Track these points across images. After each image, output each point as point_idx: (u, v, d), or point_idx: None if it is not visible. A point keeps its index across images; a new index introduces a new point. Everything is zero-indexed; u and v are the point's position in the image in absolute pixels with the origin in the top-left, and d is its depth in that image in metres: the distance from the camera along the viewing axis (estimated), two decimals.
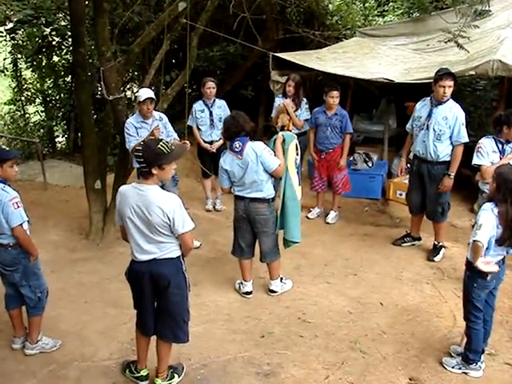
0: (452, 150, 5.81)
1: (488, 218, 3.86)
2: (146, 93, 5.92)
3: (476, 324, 4.13)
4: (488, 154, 5.23)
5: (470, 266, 4.10)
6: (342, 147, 7.13)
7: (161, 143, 3.64)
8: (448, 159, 5.85)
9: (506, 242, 3.88)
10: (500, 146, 5.24)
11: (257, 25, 9.56)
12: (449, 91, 5.65)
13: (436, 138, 5.78)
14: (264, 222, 5.13)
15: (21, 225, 4.11)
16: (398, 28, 9.37)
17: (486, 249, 3.91)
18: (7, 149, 4.20)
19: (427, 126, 5.85)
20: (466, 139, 5.72)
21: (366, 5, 12.00)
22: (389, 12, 12.07)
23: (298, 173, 5.22)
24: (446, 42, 7.33)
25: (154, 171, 3.61)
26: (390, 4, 12.14)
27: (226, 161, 5.03)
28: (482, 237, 3.80)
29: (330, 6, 11.22)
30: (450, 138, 5.75)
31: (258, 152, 4.90)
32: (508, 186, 3.82)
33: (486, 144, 5.28)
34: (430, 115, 5.83)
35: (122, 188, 3.82)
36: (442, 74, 5.63)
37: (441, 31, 7.55)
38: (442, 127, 5.73)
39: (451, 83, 5.62)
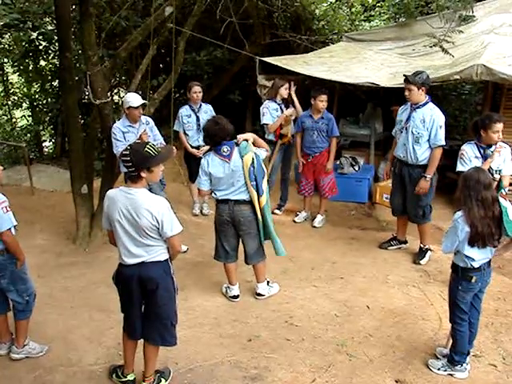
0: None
1: (454, 227, 4.00)
2: (138, 99, 5.93)
3: (461, 326, 4.17)
4: (470, 161, 5.28)
5: (455, 268, 4.15)
6: (328, 151, 7.16)
7: (147, 146, 3.66)
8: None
9: (478, 242, 3.91)
10: (482, 151, 5.29)
11: (244, 29, 9.62)
12: (408, 93, 5.80)
13: (415, 141, 5.86)
14: (249, 224, 5.14)
15: (9, 229, 4.09)
16: (384, 33, 9.44)
17: (467, 256, 3.98)
18: None
19: (406, 128, 5.95)
20: (442, 142, 5.78)
21: (353, 10, 12.08)
22: (375, 17, 12.17)
23: (257, 183, 5.02)
24: (431, 47, 7.42)
25: (143, 174, 3.62)
26: (377, 9, 12.24)
27: (212, 164, 5.00)
28: (444, 246, 4.12)
29: (317, 10, 11.30)
30: (429, 141, 5.81)
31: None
32: (468, 184, 3.89)
33: (468, 150, 5.34)
34: (408, 118, 5.92)
35: (110, 192, 3.83)
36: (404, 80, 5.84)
37: (426, 36, 7.64)
38: (420, 130, 5.81)
39: (409, 86, 5.77)
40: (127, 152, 3.64)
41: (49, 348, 4.54)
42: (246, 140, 5.04)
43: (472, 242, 3.92)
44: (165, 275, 3.81)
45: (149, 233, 3.65)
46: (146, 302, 3.88)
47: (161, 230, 3.65)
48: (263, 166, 5.16)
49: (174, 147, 5.72)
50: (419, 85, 5.73)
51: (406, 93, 5.83)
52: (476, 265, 4.00)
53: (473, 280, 4.04)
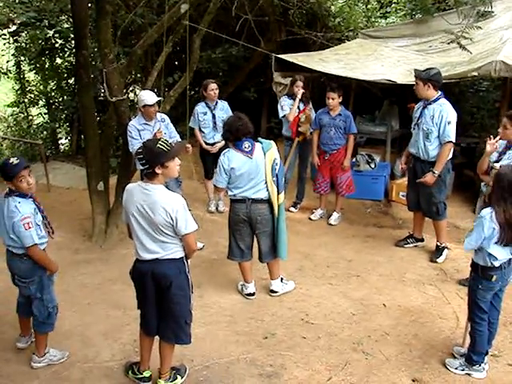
0: None
1: (481, 225, 3.90)
2: (152, 96, 5.94)
3: (480, 325, 4.12)
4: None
5: (475, 267, 4.10)
6: (345, 148, 7.12)
7: (159, 142, 3.68)
8: None
9: (506, 241, 3.85)
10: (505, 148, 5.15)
11: (259, 27, 9.60)
12: (415, 88, 5.83)
13: (425, 138, 5.84)
14: (265, 222, 5.14)
15: (34, 245, 4.00)
16: (401, 29, 9.36)
17: (489, 255, 3.92)
18: (14, 160, 4.06)
19: (418, 125, 5.94)
20: (450, 138, 5.71)
21: (369, 6, 11.99)
22: (391, 13, 12.06)
23: (278, 180, 5.07)
24: (448, 43, 7.36)
25: (158, 171, 3.63)
26: (393, 5, 12.13)
27: (233, 160, 4.96)
28: (467, 243, 4.02)
29: (333, 7, 11.22)
30: (439, 137, 5.77)
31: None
32: (503, 185, 3.81)
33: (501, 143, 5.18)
34: (420, 115, 5.91)
35: (129, 186, 3.86)
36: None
37: (443, 32, 7.58)
38: (430, 126, 5.78)
39: (416, 80, 5.80)
40: (141, 150, 3.67)
41: (65, 344, 4.55)
42: None
43: (501, 242, 3.86)
44: (179, 273, 3.81)
45: (163, 230, 3.66)
46: (160, 300, 3.89)
47: (175, 228, 3.65)
48: (282, 166, 5.18)
49: (189, 145, 5.77)
50: (425, 80, 5.70)
51: (414, 87, 5.85)
52: (497, 264, 3.95)
53: (493, 279, 3.99)
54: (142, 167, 3.70)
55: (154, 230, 3.68)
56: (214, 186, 5.22)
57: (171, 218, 3.62)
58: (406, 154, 6.33)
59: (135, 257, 3.88)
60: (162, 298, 3.87)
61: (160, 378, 4.04)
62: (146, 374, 4.11)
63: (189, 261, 3.93)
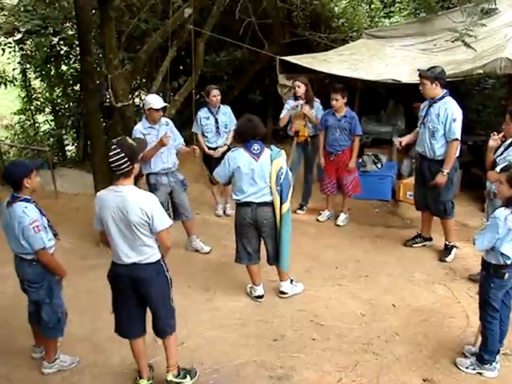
0: None
1: (496, 226, 3.86)
2: (160, 101, 5.94)
3: (493, 324, 4.09)
4: None
5: (486, 266, 4.07)
6: (351, 149, 7.10)
7: (127, 138, 3.78)
8: None
9: None
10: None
11: (263, 29, 9.62)
12: (422, 88, 5.79)
13: (431, 136, 5.82)
14: (271, 226, 5.11)
15: (43, 248, 4.01)
16: (405, 29, 9.35)
17: (502, 254, 3.90)
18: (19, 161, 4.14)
19: (424, 123, 5.92)
20: (456, 136, 5.68)
21: (372, 6, 12.01)
22: (395, 13, 12.07)
23: (282, 190, 4.99)
24: (453, 42, 7.34)
25: (136, 166, 3.70)
26: (396, 5, 12.14)
27: (240, 159, 4.95)
28: (480, 243, 3.96)
29: (336, 8, 11.25)
30: (445, 135, 5.75)
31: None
32: None
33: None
34: (426, 113, 5.89)
35: (101, 193, 3.83)
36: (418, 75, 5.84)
37: (448, 31, 7.56)
38: (435, 124, 5.75)
39: (422, 80, 5.76)
40: (118, 150, 3.60)
41: (75, 349, 4.55)
42: None
43: None
44: (157, 275, 3.84)
45: (140, 229, 3.67)
46: (141, 301, 3.90)
47: (151, 225, 3.67)
48: (290, 180, 5.14)
49: (196, 148, 5.80)
50: (432, 79, 5.68)
51: (420, 87, 5.81)
52: (509, 262, 3.92)
53: (505, 276, 3.96)
54: (118, 168, 3.63)
55: (132, 233, 3.68)
56: (214, 177, 5.28)
57: (147, 217, 3.63)
58: (414, 153, 6.32)
59: (112, 260, 3.88)
60: (143, 300, 3.89)
61: (168, 373, 4.04)
62: (142, 382, 4.08)
63: (166, 261, 3.94)
